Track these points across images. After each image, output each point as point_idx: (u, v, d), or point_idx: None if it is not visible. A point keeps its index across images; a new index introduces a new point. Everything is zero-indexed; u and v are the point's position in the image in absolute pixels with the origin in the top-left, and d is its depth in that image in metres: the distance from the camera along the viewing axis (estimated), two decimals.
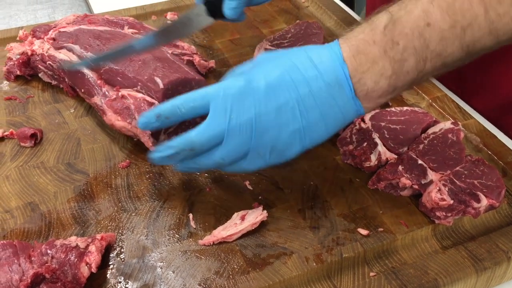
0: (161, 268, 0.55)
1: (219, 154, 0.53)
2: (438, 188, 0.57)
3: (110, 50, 0.69)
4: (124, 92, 0.65)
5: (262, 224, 0.59)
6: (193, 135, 0.53)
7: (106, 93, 0.67)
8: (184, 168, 0.57)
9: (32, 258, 0.50)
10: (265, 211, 0.59)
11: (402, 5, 0.50)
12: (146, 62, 0.67)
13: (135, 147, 0.69)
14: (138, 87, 0.66)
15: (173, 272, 0.54)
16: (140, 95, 0.65)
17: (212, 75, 0.83)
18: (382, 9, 0.52)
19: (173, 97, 0.55)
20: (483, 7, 0.47)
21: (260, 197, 0.63)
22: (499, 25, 0.47)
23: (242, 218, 0.59)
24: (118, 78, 0.67)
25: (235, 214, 0.60)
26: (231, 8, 0.68)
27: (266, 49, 0.81)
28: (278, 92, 0.52)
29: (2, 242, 0.52)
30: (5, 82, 0.81)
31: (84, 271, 0.51)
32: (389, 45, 0.50)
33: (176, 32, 0.70)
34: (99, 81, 0.68)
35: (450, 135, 0.64)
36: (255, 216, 0.58)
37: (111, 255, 0.56)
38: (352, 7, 1.05)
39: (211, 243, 0.57)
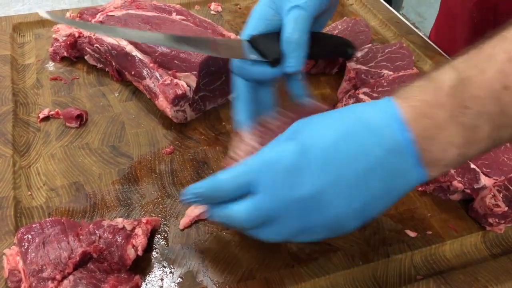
0: (205, 255, 0.54)
1: (267, 234, 0.47)
2: (492, 193, 0.56)
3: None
4: (180, 81, 0.66)
5: None
6: (237, 218, 0.46)
7: (159, 77, 0.67)
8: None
9: (81, 237, 0.50)
10: None
11: (471, 62, 0.43)
12: None
13: (179, 134, 0.69)
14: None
15: (217, 260, 0.54)
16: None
17: None
18: (444, 64, 0.44)
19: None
20: None
21: None
22: None
23: None
24: (175, 61, 0.67)
25: None
26: (291, 67, 0.57)
27: None
28: (335, 165, 0.44)
29: (50, 219, 0.52)
30: (51, 62, 0.81)
31: (131, 253, 0.51)
32: (459, 110, 0.42)
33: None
34: (151, 64, 0.68)
35: None
36: None
37: (155, 239, 0.56)
38: (389, 5, 1.03)
39: (189, 223, 0.57)
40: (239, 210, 0.46)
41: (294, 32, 0.56)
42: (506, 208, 0.55)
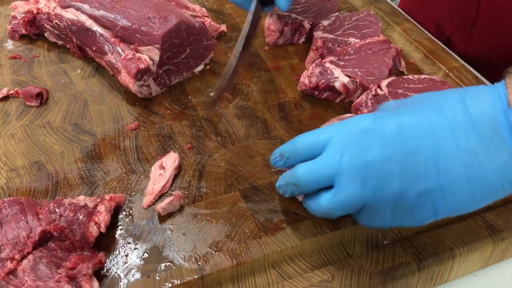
0: (171, 230, 0.53)
1: (326, 202, 0.46)
2: None
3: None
4: (143, 55, 0.64)
5: (274, 190, 0.57)
6: (300, 172, 0.47)
7: (121, 51, 0.65)
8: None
9: (40, 216, 0.49)
10: (176, 153, 0.59)
11: None
12: (167, 19, 0.65)
13: (144, 110, 0.67)
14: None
15: (183, 234, 0.53)
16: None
17: (222, 40, 0.81)
18: None
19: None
20: None
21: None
22: None
23: (162, 167, 0.58)
24: (137, 35, 0.65)
25: (153, 167, 0.59)
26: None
27: (278, 15, 0.78)
28: (410, 137, 0.43)
29: (8, 199, 0.50)
30: (10, 41, 0.78)
31: (93, 231, 0.50)
32: None
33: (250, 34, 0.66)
34: (113, 39, 0.66)
35: None
36: (172, 160, 0.59)
37: (120, 216, 0.55)
38: None
39: (153, 201, 0.56)
40: (301, 167, 0.47)
41: None
42: None
